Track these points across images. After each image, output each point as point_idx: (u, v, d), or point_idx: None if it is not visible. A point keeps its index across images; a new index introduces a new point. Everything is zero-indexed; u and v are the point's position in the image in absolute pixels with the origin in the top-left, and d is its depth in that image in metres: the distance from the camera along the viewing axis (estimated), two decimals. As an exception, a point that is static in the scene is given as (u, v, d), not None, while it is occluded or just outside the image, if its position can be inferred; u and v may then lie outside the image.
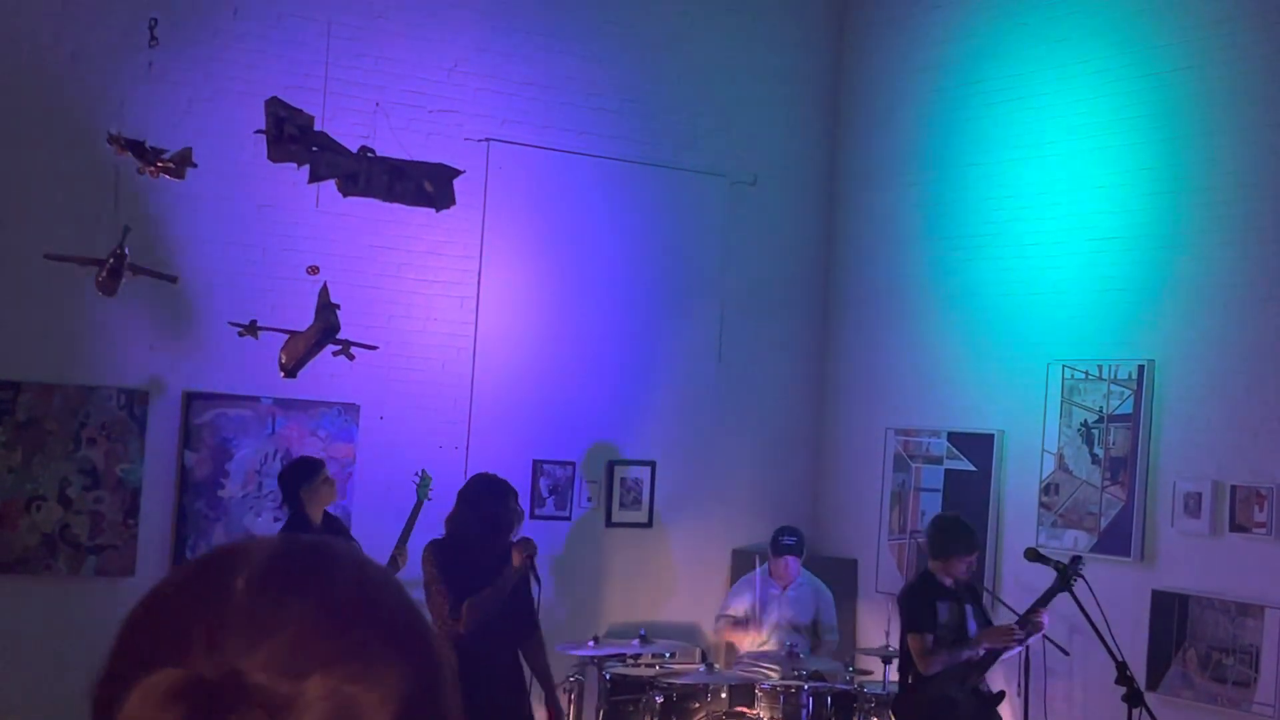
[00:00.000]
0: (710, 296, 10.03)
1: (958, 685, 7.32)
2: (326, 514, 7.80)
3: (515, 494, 7.23)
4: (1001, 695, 7.58)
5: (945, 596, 7.43)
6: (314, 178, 7.09)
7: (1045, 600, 7.31)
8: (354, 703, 1.04)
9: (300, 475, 7.64)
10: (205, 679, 1.02)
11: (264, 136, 7.23)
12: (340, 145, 7.17)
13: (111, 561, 8.18)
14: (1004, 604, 7.77)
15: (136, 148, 6.64)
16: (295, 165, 7.12)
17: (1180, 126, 8.13)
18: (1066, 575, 7.08)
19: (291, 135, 6.88)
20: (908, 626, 7.49)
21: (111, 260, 6.66)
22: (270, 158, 7.08)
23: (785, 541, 9.04)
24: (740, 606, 9.07)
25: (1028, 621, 7.30)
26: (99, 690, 1.08)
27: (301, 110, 7.02)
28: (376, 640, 1.08)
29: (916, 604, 7.46)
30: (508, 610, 6.93)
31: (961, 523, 7.61)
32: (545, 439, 9.43)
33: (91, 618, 8.03)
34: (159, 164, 6.63)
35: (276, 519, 8.55)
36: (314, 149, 7.04)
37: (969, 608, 7.47)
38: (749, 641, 8.96)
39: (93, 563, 8.14)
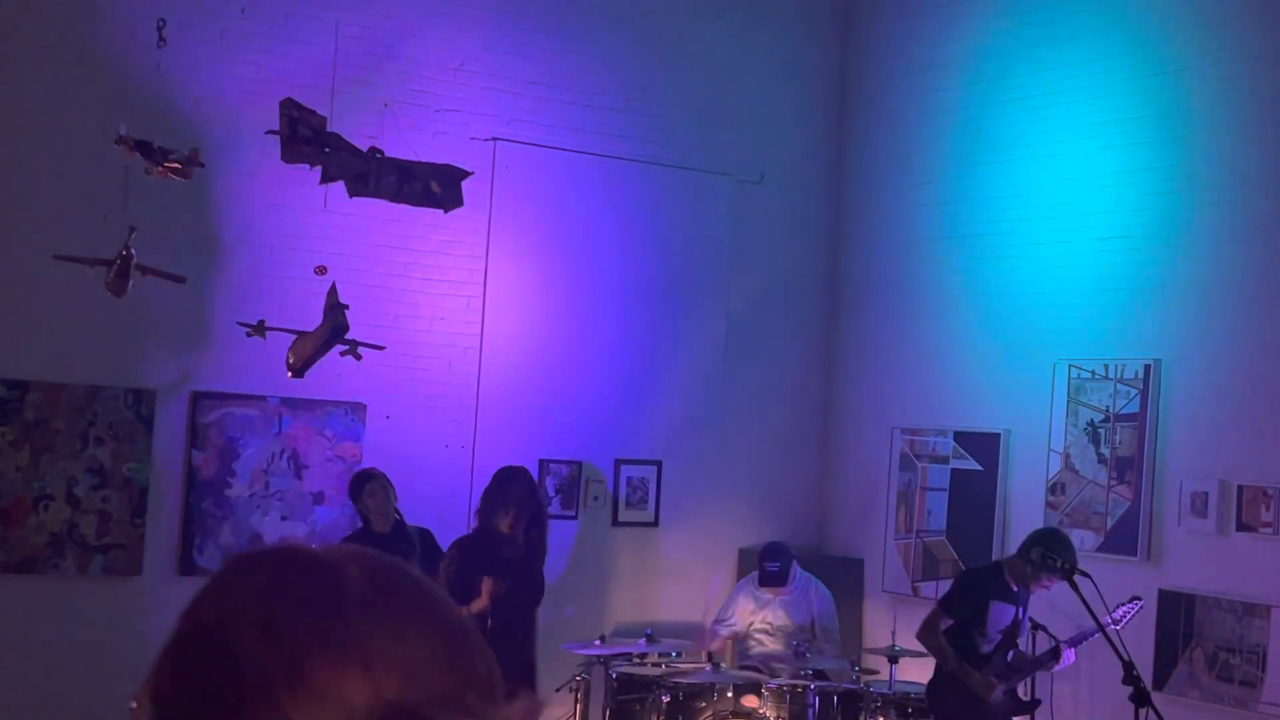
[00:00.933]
0: (716, 295, 10.03)
1: (1000, 682, 7.29)
2: (402, 525, 8.15)
3: (529, 485, 7.71)
4: (1037, 703, 7.55)
5: (1006, 598, 7.30)
6: (325, 178, 7.10)
7: (1082, 637, 7.30)
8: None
9: (351, 491, 8.22)
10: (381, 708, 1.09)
11: (274, 137, 7.24)
12: (353, 146, 7.18)
13: (119, 561, 8.19)
14: (1046, 631, 7.66)
15: (144, 148, 6.65)
16: (308, 166, 7.12)
17: (1186, 125, 8.12)
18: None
19: (305, 136, 6.89)
20: (942, 597, 7.53)
21: (119, 261, 6.67)
22: (283, 158, 7.09)
23: (769, 569, 8.90)
24: (735, 620, 9.08)
25: (1054, 654, 7.32)
26: (243, 682, 1.08)
27: (314, 111, 7.03)
28: (488, 666, 1.19)
29: (965, 589, 7.42)
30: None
31: (1070, 543, 7.30)
32: (551, 438, 9.44)
33: (99, 617, 8.06)
34: (166, 164, 6.64)
35: (284, 518, 8.57)
36: (326, 150, 7.04)
37: (1024, 614, 7.39)
38: (732, 657, 9.02)
39: (100, 562, 8.15)
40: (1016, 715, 7.51)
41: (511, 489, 7.93)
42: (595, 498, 9.57)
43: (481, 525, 7.95)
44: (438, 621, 1.15)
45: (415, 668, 1.10)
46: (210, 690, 1.08)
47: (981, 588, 7.36)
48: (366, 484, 8.08)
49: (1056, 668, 7.46)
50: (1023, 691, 7.61)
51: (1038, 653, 7.53)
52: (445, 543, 8.23)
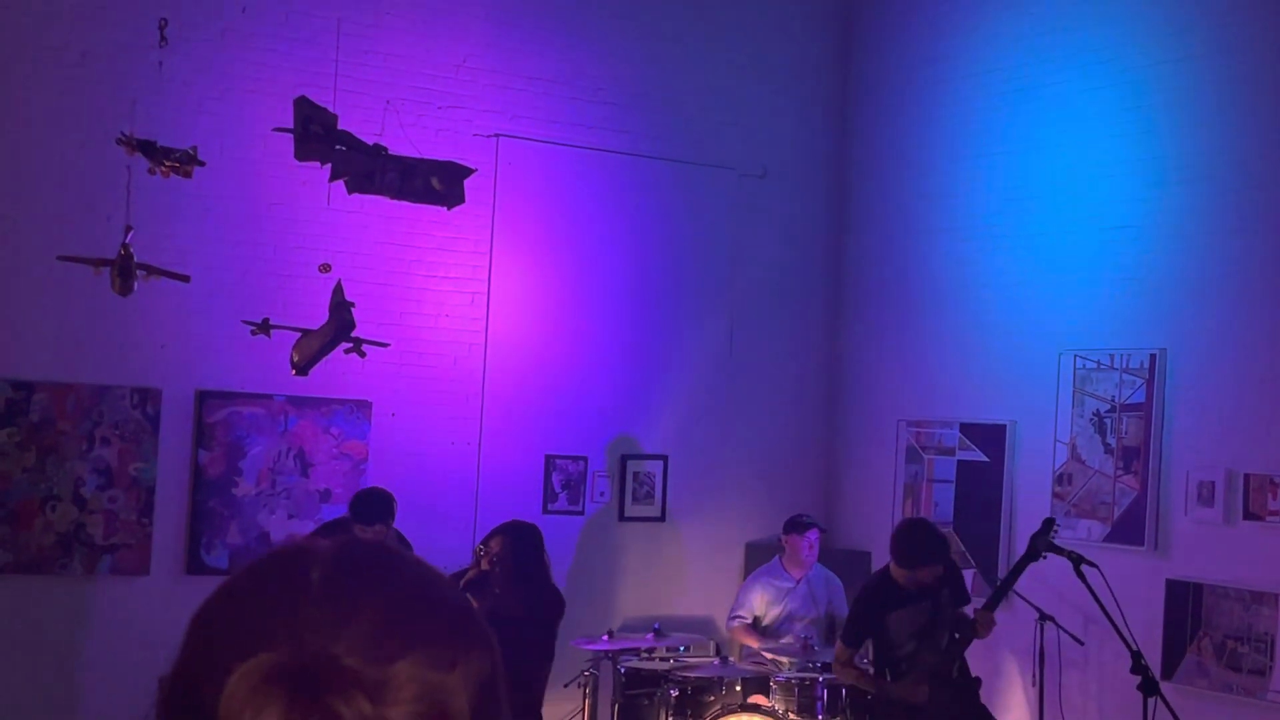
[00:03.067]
0: (721, 290, 10.03)
1: (935, 682, 7.21)
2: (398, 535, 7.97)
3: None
4: (976, 681, 7.47)
5: (902, 602, 7.22)
6: (334, 176, 7.10)
7: (1007, 584, 7.25)
8: (438, 686, 1.10)
9: (351, 510, 7.86)
10: (304, 662, 1.08)
11: (279, 135, 7.25)
12: (364, 143, 7.18)
13: (126, 560, 8.20)
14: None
15: (147, 148, 6.65)
16: (319, 164, 7.12)
17: (1190, 115, 8.11)
18: (1035, 546, 7.02)
19: (316, 134, 6.89)
20: (841, 632, 7.58)
21: (119, 260, 6.67)
22: (296, 157, 7.10)
23: (804, 519, 9.03)
24: (754, 607, 9.05)
25: (973, 628, 7.18)
26: (174, 681, 1.13)
27: (326, 109, 7.03)
28: (449, 628, 1.16)
29: (857, 615, 7.42)
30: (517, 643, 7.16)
31: (930, 531, 7.36)
32: (557, 434, 9.44)
33: (107, 616, 8.07)
34: (167, 164, 6.65)
35: (291, 516, 8.58)
36: (338, 148, 7.04)
37: (938, 599, 7.25)
38: (762, 643, 8.95)
39: (108, 562, 8.16)
40: (967, 698, 7.39)
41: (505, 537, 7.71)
42: (601, 493, 9.57)
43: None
44: (397, 584, 1.16)
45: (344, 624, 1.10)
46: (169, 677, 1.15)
47: (871, 608, 7.31)
48: (366, 526, 7.63)
49: (983, 637, 7.33)
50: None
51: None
52: (444, 545, 8.19)
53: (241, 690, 1.07)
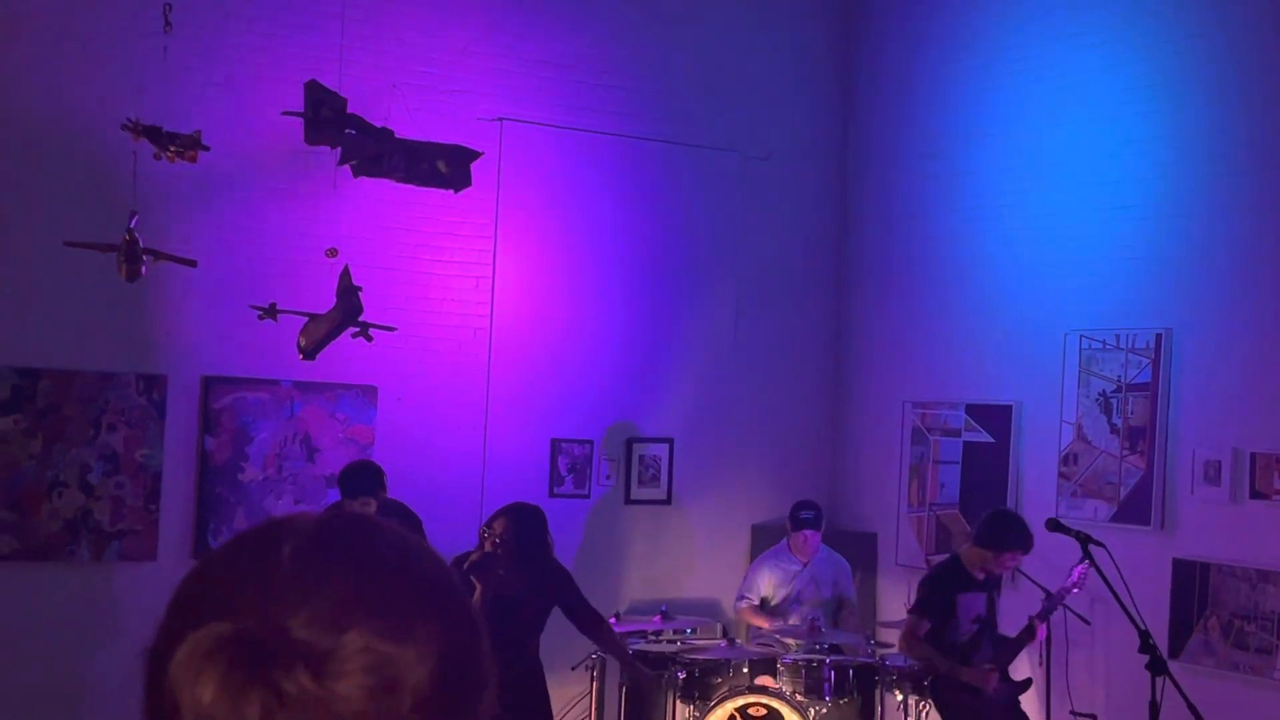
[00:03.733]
0: (725, 272, 10.02)
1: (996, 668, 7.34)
2: (385, 506, 7.85)
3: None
4: (1028, 683, 7.58)
5: (973, 588, 7.41)
6: (344, 160, 7.10)
7: (1057, 601, 7.36)
8: (390, 658, 1.09)
9: (340, 486, 7.87)
10: (250, 633, 1.07)
11: (285, 120, 7.25)
12: (373, 127, 7.17)
13: (133, 546, 8.22)
14: (1033, 580, 7.68)
15: (152, 133, 6.66)
16: (329, 148, 7.13)
17: (1194, 94, 8.09)
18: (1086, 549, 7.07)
19: (327, 118, 6.89)
20: (912, 605, 7.61)
21: (124, 246, 6.67)
22: (307, 140, 7.11)
23: (804, 515, 9.00)
24: (761, 589, 9.06)
25: (1030, 632, 7.37)
26: (151, 651, 1.13)
27: (336, 93, 7.03)
28: (411, 600, 1.14)
29: (931, 591, 7.47)
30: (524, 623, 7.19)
31: (1022, 519, 7.53)
32: (563, 418, 9.44)
33: (115, 603, 8.08)
34: (172, 149, 6.65)
35: (298, 501, 8.59)
36: (348, 132, 7.04)
37: (992, 595, 7.50)
38: (770, 623, 8.96)
39: (115, 548, 8.18)
40: (1016, 695, 7.52)
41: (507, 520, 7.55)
42: (608, 476, 9.58)
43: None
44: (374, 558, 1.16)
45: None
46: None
47: (945, 585, 7.43)
48: (352, 499, 7.68)
49: (1033, 643, 7.49)
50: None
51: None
52: (450, 528, 8.16)
53: (185, 659, 1.07)
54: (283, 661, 1.06)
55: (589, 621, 7.50)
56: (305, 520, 1.18)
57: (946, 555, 8.09)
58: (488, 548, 7.19)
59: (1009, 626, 7.56)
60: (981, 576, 7.40)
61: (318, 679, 1.06)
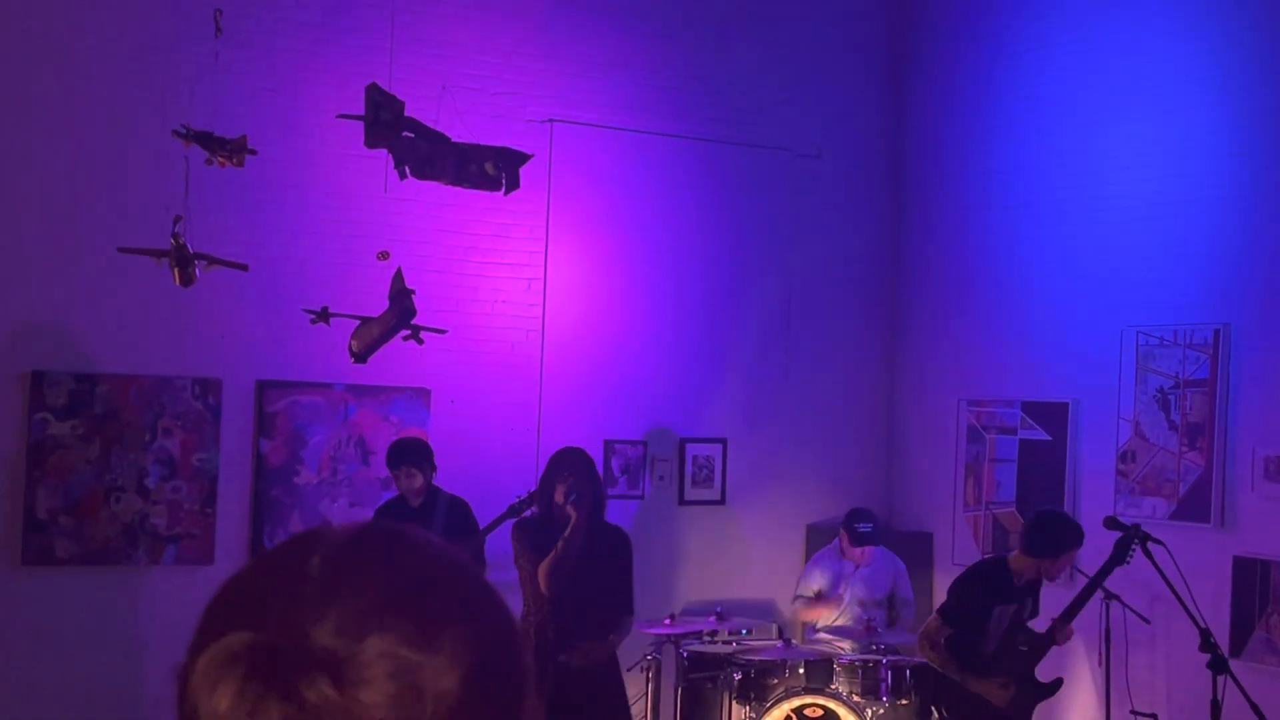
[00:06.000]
0: (778, 271, 9.99)
1: (1021, 685, 7.15)
2: (433, 499, 8.01)
3: (580, 464, 7.36)
4: (1058, 683, 7.40)
5: (1009, 598, 7.10)
6: (398, 163, 7.12)
7: (1088, 593, 7.16)
8: (413, 666, 1.08)
9: (387, 462, 8.08)
10: (270, 642, 1.06)
11: (338, 122, 7.27)
12: (431, 130, 7.18)
13: (191, 550, 8.26)
14: (1083, 574, 7.53)
15: (204, 138, 6.69)
16: (388, 151, 7.15)
17: (1253, 86, 8.00)
18: (1126, 546, 6.95)
19: (386, 121, 6.91)
20: (942, 607, 7.31)
21: (173, 251, 6.70)
22: (366, 144, 7.12)
23: (862, 530, 8.78)
24: (814, 585, 9.01)
25: (1051, 638, 7.17)
26: (184, 665, 1.13)
27: (394, 96, 7.06)
28: (437, 607, 1.12)
29: (964, 599, 7.17)
30: (593, 584, 7.10)
31: (1067, 515, 7.27)
32: (616, 419, 9.43)
33: (172, 606, 8.12)
34: (222, 154, 6.68)
35: (353, 504, 8.62)
36: (406, 135, 7.05)
37: (1026, 603, 7.20)
38: (826, 617, 8.90)
39: (172, 552, 8.23)
40: (1040, 701, 7.34)
41: (564, 465, 7.45)
42: (661, 477, 9.56)
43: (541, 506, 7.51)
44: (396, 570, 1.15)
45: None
46: None
47: (984, 593, 7.12)
48: (396, 469, 7.98)
49: (1061, 645, 7.30)
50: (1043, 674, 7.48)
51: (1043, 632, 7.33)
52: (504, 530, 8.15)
53: (204, 669, 1.06)
54: (303, 669, 1.05)
55: (621, 605, 7.45)
56: (336, 531, 1.17)
57: (990, 556, 7.88)
58: (567, 509, 7.19)
59: (1076, 620, 7.39)
60: (1023, 583, 7.12)
61: (339, 686, 1.05)
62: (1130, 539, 6.96)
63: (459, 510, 8.01)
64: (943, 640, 7.15)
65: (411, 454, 7.99)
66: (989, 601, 7.08)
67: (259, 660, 1.05)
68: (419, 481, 7.94)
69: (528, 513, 7.57)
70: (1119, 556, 6.97)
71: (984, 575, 7.28)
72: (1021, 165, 9.40)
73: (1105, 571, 7.03)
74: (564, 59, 9.31)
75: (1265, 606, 7.71)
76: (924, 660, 7.94)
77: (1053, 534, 7.10)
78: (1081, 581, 7.42)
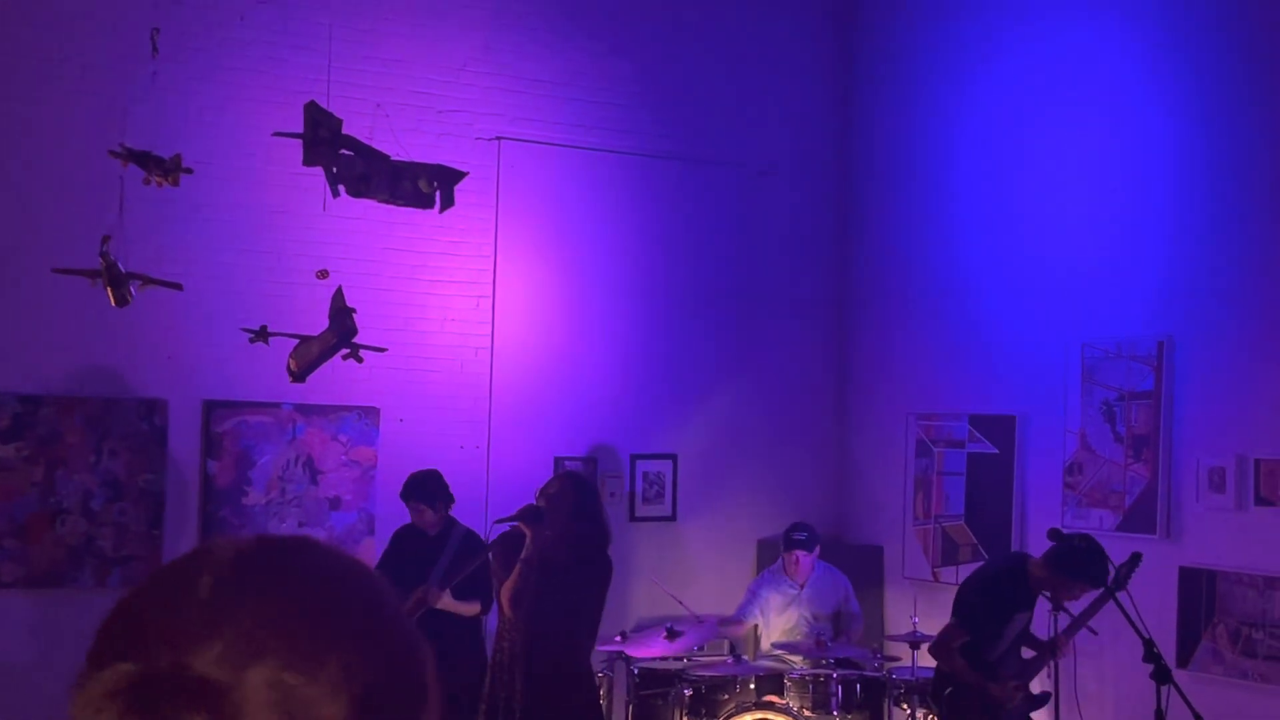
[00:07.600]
0: (728, 286, 10.00)
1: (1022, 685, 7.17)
2: (447, 530, 7.98)
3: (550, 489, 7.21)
4: (1046, 696, 7.41)
5: (1029, 605, 7.07)
6: (331, 180, 7.08)
7: (1082, 621, 7.11)
8: (297, 693, 1.03)
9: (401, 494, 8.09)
10: (148, 674, 1.02)
11: (275, 141, 7.24)
12: (369, 148, 7.15)
13: (137, 572, 8.20)
14: (1067, 611, 7.41)
15: (141, 158, 6.65)
16: (327, 169, 7.11)
17: (1198, 100, 8.06)
18: (1131, 570, 6.97)
19: (324, 139, 6.88)
20: (957, 612, 7.13)
21: (103, 270, 6.62)
22: (305, 162, 7.08)
23: (795, 537, 8.91)
24: (755, 615, 9.02)
25: (1052, 649, 7.15)
26: (72, 693, 1.08)
27: (332, 114, 7.03)
28: (323, 632, 1.07)
29: (984, 604, 7.04)
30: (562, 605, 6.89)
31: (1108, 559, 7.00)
32: (566, 436, 9.42)
33: (119, 629, 8.05)
34: (159, 173, 6.64)
35: (301, 524, 8.58)
36: (344, 152, 7.01)
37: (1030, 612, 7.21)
38: (776, 635, 8.93)
39: (119, 574, 8.17)
40: (1032, 710, 7.37)
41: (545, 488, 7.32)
42: (611, 494, 9.55)
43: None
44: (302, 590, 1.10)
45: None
46: None
47: (1006, 602, 7.03)
48: (406, 503, 8.01)
49: (1060, 659, 7.32)
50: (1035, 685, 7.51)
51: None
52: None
53: (84, 702, 1.03)
54: (181, 702, 1.01)
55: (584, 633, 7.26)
56: (228, 548, 1.12)
57: (1003, 561, 7.79)
58: (541, 505, 7.00)
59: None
60: (1036, 594, 7.04)
61: (216, 718, 1.01)
62: (1135, 564, 7.03)
63: (470, 543, 7.92)
64: (957, 647, 7.07)
65: (418, 489, 7.95)
66: (1010, 609, 7.03)
67: (137, 695, 1.02)
68: (429, 516, 7.94)
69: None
70: (1121, 581, 6.94)
71: (1008, 583, 7.12)
72: (969, 180, 9.45)
73: (1110, 592, 6.98)
74: (512, 76, 9.31)
75: (1211, 617, 7.75)
76: (876, 675, 7.97)
77: (1095, 564, 6.82)
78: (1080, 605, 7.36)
